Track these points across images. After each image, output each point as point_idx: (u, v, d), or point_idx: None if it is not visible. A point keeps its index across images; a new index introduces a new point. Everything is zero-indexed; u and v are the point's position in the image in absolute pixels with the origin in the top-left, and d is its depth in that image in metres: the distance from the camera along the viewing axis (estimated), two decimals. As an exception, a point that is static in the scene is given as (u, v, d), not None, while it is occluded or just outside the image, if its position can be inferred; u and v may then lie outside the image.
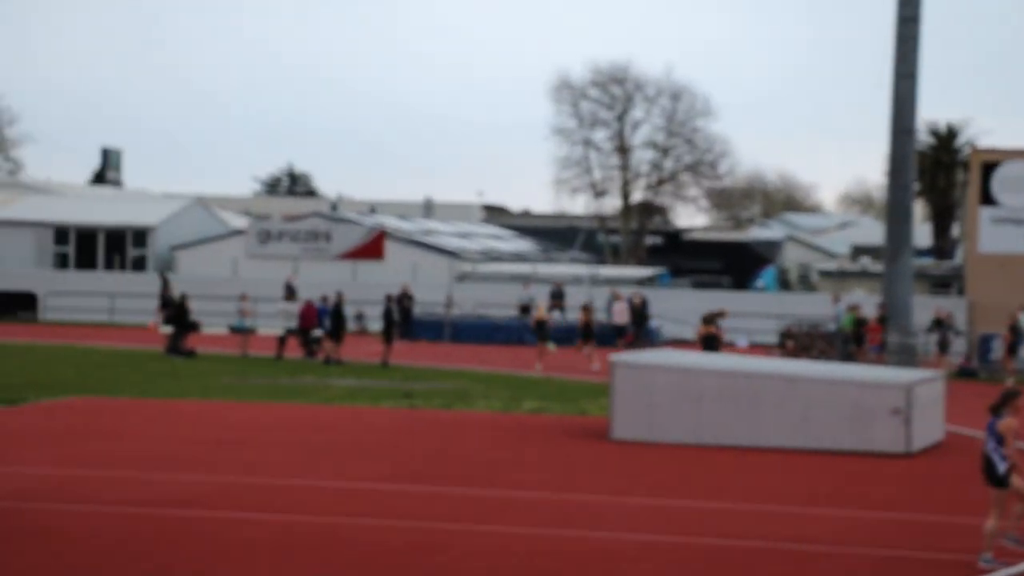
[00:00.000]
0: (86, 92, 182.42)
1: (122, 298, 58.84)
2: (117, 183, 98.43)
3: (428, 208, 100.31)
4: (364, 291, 55.15)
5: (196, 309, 45.89)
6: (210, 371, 37.16)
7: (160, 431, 24.66)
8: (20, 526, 15.65)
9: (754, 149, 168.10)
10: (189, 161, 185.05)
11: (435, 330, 52.89)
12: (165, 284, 48.74)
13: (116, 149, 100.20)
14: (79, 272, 62.27)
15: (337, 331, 41.15)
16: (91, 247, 64.71)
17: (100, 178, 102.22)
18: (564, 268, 68.53)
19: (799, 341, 46.06)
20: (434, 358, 41.64)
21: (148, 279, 60.41)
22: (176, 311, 42.78)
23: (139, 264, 64.46)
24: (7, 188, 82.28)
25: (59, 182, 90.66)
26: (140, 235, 64.85)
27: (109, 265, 63.73)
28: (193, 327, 43.27)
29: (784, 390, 24.43)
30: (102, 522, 16.00)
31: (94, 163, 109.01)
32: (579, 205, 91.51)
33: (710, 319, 33.96)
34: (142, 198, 79.91)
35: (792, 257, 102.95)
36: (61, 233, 65.03)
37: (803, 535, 16.28)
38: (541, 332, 40.72)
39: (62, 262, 64.63)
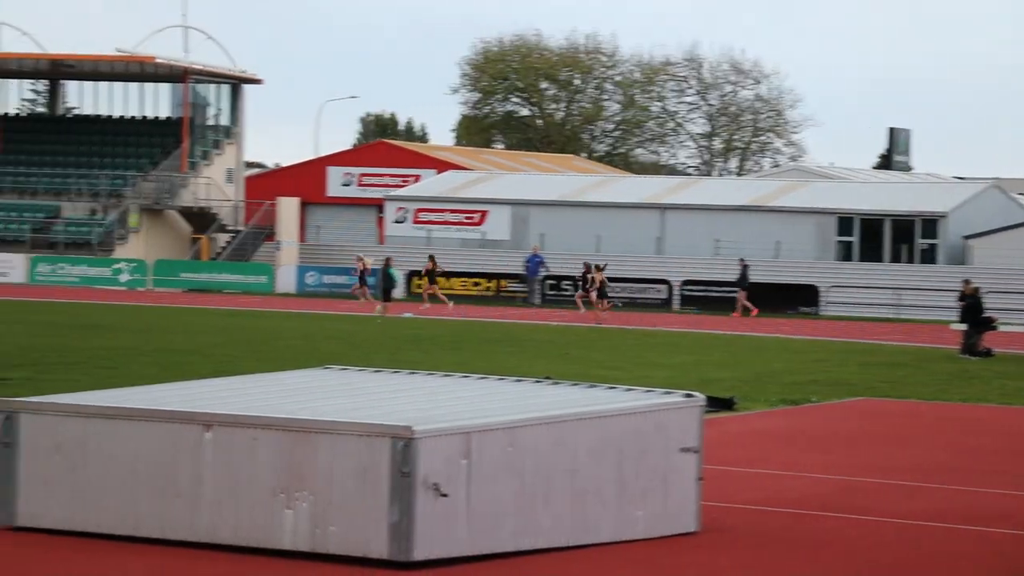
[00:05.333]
0: (869, 70, 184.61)
1: (909, 292, 59.20)
2: (905, 167, 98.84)
3: None
4: None
5: (993, 305, 45.42)
6: (1011, 374, 36.67)
7: (949, 439, 24.62)
8: (797, 536, 16.06)
9: None
10: (983, 141, 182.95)
11: None
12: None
13: (904, 129, 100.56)
14: (862, 264, 63.19)
15: None
16: (876, 237, 65.38)
17: (886, 161, 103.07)
18: None
19: None
20: None
21: (938, 272, 60.44)
22: (970, 307, 42.56)
23: (928, 256, 64.45)
24: (788, 174, 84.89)
25: (842, 167, 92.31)
26: (930, 224, 64.81)
27: (895, 257, 64.20)
28: (988, 324, 42.88)
29: None
30: (877, 534, 16.18)
31: (880, 146, 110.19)
32: None
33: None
34: (931, 183, 79.92)
35: None
36: (844, 222, 66.06)
37: None
38: None
39: (845, 253, 65.70)
